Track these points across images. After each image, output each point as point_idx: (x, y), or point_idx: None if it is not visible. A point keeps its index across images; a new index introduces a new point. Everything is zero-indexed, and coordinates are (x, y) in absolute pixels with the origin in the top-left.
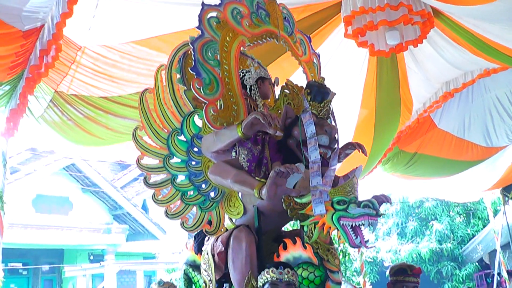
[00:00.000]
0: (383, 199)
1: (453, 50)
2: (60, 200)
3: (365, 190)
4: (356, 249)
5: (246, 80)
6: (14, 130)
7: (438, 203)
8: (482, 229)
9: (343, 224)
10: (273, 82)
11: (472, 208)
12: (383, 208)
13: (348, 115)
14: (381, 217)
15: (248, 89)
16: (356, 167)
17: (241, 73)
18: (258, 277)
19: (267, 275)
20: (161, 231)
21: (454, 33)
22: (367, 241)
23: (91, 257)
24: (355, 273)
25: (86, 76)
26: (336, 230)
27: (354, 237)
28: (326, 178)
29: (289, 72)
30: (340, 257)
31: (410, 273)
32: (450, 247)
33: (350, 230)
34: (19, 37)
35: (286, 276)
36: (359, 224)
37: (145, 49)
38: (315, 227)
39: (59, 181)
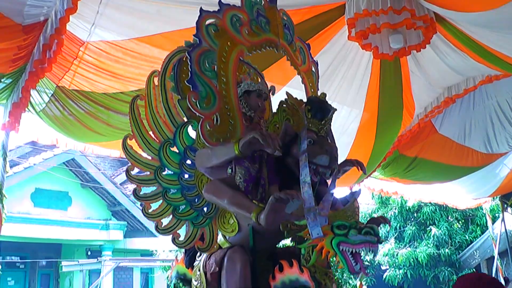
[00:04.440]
0: (381, 221)
1: (455, 55)
2: (59, 194)
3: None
4: None
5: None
6: (15, 124)
7: (436, 208)
8: (480, 235)
9: (342, 249)
10: (268, 91)
11: (470, 214)
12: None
13: (351, 118)
14: (382, 243)
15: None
16: (355, 191)
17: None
18: None
19: None
20: None
21: (456, 39)
22: (366, 267)
23: (89, 253)
24: (351, 276)
25: (88, 71)
26: (334, 254)
27: (353, 264)
28: (324, 202)
29: (290, 76)
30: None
31: None
32: (447, 253)
33: (350, 256)
34: (18, 31)
35: None
36: (359, 251)
37: (148, 46)
38: (312, 250)
39: (58, 176)
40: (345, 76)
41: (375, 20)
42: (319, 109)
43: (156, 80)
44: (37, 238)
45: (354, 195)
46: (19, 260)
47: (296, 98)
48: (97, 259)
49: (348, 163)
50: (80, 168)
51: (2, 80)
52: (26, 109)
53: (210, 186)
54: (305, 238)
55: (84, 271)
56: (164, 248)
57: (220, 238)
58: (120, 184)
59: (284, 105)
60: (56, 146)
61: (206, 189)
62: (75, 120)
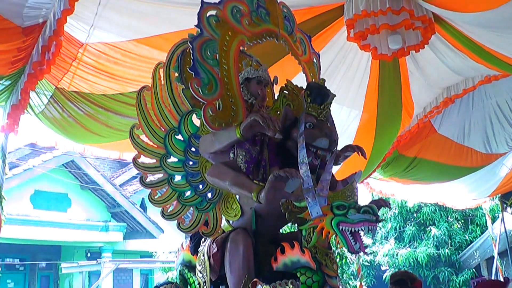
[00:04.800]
0: (381, 203)
1: (454, 56)
2: (58, 196)
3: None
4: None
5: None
6: (14, 125)
7: (436, 208)
8: (480, 235)
9: (342, 229)
10: (272, 81)
11: (470, 214)
12: (380, 212)
13: (350, 118)
14: (381, 222)
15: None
16: (356, 172)
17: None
18: None
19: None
20: (158, 230)
21: (455, 39)
22: (366, 246)
23: (88, 255)
24: (351, 277)
25: (87, 73)
26: (335, 235)
27: (353, 243)
28: (322, 182)
29: (292, 73)
30: (337, 260)
31: (410, 285)
32: (447, 253)
33: (349, 235)
34: (18, 33)
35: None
36: (358, 230)
37: (147, 47)
38: (313, 231)
39: (58, 177)
40: (344, 77)
41: (374, 20)
42: (319, 94)
43: (161, 71)
44: (37, 240)
45: (354, 176)
46: (19, 262)
47: (296, 85)
48: (97, 261)
49: (349, 148)
50: (79, 170)
51: (1, 82)
52: (25, 111)
53: (213, 168)
54: (306, 220)
55: (84, 273)
56: (163, 249)
57: (224, 223)
58: (119, 185)
59: (285, 91)
60: (55, 148)
61: (209, 172)
62: (74, 122)
